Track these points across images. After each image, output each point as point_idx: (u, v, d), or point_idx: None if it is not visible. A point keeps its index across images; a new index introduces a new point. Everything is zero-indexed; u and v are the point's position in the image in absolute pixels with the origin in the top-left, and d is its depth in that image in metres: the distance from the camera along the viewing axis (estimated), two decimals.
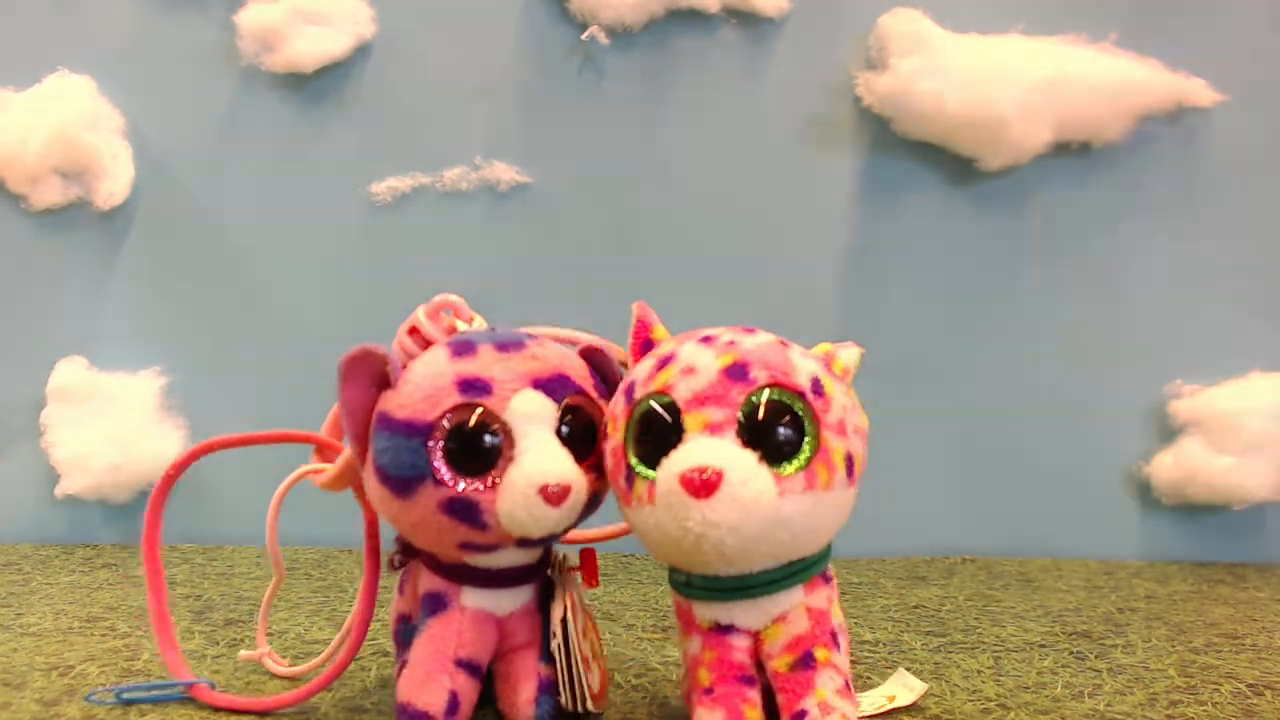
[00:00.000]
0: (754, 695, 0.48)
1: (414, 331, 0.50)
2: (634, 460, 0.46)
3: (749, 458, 0.44)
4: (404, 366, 0.49)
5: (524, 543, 0.48)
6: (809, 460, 0.45)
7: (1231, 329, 0.91)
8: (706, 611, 0.48)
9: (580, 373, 0.51)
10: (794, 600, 0.47)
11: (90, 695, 0.56)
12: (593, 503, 0.50)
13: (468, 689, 0.50)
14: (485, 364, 0.48)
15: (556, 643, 0.51)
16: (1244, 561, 0.91)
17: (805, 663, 0.47)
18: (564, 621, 0.51)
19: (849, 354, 0.49)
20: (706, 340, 0.47)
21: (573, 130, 0.94)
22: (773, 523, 0.44)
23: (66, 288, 0.98)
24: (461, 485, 0.47)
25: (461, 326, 0.52)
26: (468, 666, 0.50)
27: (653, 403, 0.46)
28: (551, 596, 0.53)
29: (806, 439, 0.45)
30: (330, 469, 0.54)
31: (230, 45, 0.95)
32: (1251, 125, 0.90)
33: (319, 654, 0.60)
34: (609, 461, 0.48)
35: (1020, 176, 0.91)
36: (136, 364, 0.97)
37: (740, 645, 0.48)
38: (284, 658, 0.62)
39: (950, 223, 0.93)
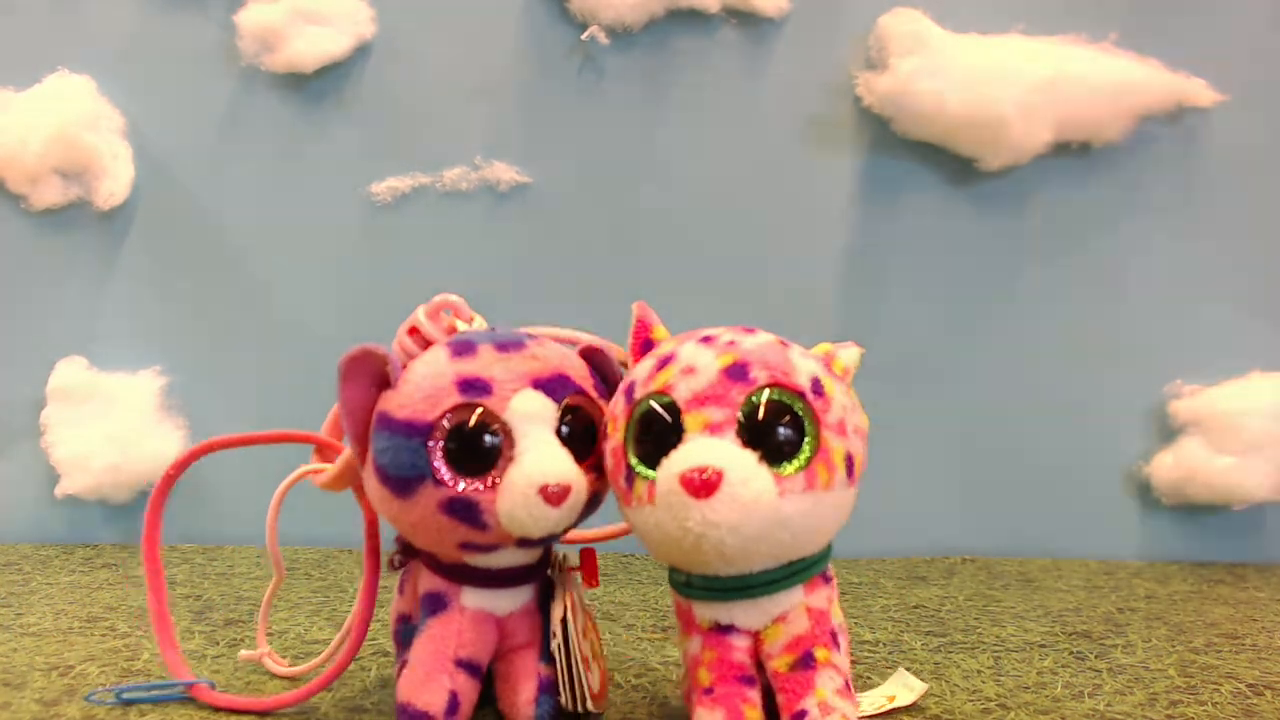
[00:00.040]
0: (754, 695, 0.48)
1: (414, 331, 0.50)
2: (634, 460, 0.46)
3: (749, 458, 0.44)
4: (404, 366, 0.49)
5: (524, 543, 0.48)
6: (809, 460, 0.45)
7: (1231, 329, 0.91)
8: (706, 611, 0.48)
9: (580, 373, 0.51)
10: (794, 600, 0.47)
11: (90, 695, 0.56)
12: (593, 503, 0.50)
13: (468, 689, 0.50)
14: (485, 364, 0.48)
15: (556, 643, 0.51)
16: (1244, 561, 0.91)
17: (805, 663, 0.47)
18: (564, 621, 0.51)
19: (849, 354, 0.49)
20: (706, 340, 0.47)
21: (573, 130, 0.94)
22: (773, 523, 0.44)
23: (66, 288, 0.98)
24: (461, 485, 0.47)
25: (461, 326, 0.52)
26: (468, 666, 0.50)
27: (653, 403, 0.46)
28: (551, 596, 0.53)
29: (806, 439, 0.45)
30: (330, 469, 0.54)
31: (230, 45, 0.95)
32: (1251, 125, 0.90)
33: (319, 654, 0.60)
34: (609, 461, 0.48)
35: (1020, 176, 0.91)
36: (136, 364, 0.97)
37: (740, 645, 0.48)
38: (284, 658, 0.62)
39: (950, 223, 0.93)
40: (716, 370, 0.45)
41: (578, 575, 0.54)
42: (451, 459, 0.47)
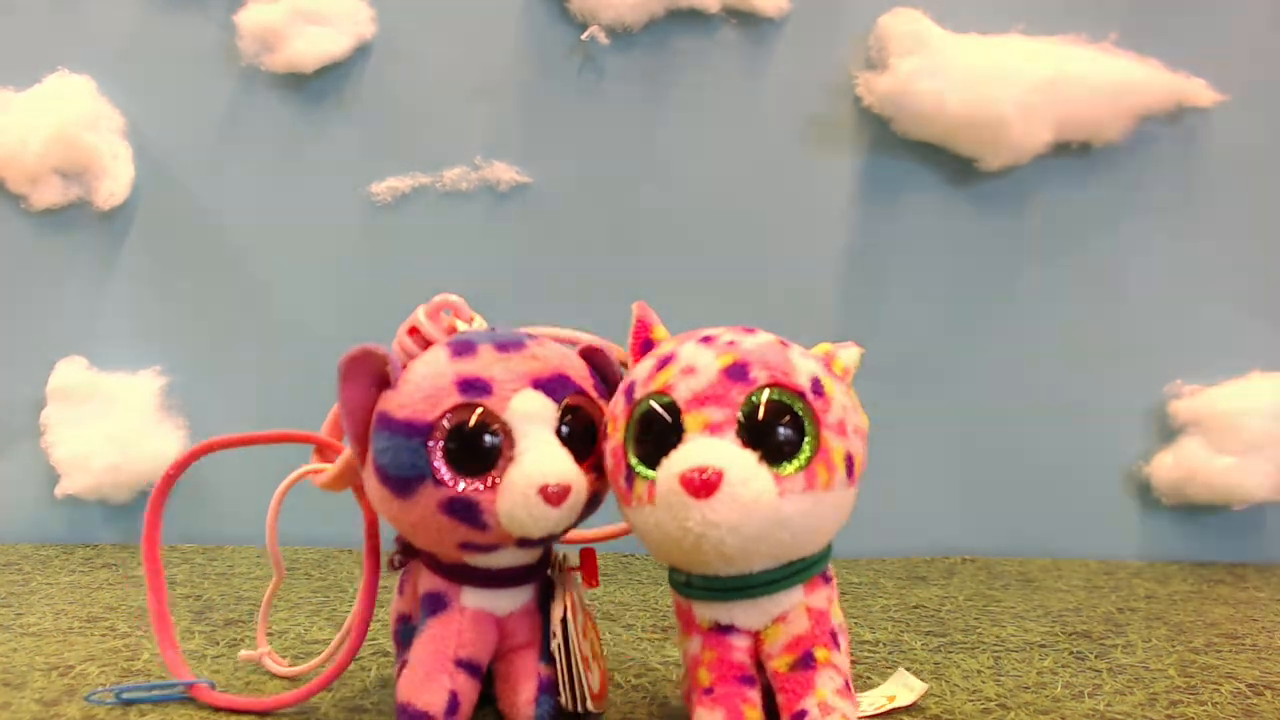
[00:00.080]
0: (754, 695, 0.48)
1: (414, 331, 0.50)
2: (634, 460, 0.46)
3: (749, 458, 0.44)
4: (404, 366, 0.49)
5: (524, 543, 0.48)
6: (809, 460, 0.45)
7: (1231, 329, 0.91)
8: (706, 611, 0.48)
9: (580, 373, 0.51)
10: (794, 600, 0.47)
11: (90, 695, 0.56)
12: (593, 503, 0.50)
13: (468, 689, 0.50)
14: (485, 364, 0.48)
15: (556, 643, 0.51)
16: (1244, 561, 0.91)
17: (805, 663, 0.47)
18: (564, 621, 0.51)
19: (849, 354, 0.49)
20: (706, 340, 0.47)
21: (573, 130, 0.94)
22: (773, 523, 0.44)
23: (66, 288, 0.98)
24: (461, 485, 0.47)
25: (461, 326, 0.52)
26: (468, 666, 0.50)
27: (653, 403, 0.46)
28: (551, 596, 0.53)
29: (806, 439, 0.45)
30: (330, 469, 0.54)
31: (230, 45, 0.95)
32: (1251, 125, 0.90)
33: (319, 654, 0.60)
34: (609, 461, 0.48)
35: (1020, 176, 0.91)
36: (136, 364, 0.97)
37: (740, 645, 0.48)
38: (284, 658, 0.62)
39: (950, 223, 0.93)
40: (716, 370, 0.45)
41: (578, 575, 0.54)
42: (451, 459, 0.47)
